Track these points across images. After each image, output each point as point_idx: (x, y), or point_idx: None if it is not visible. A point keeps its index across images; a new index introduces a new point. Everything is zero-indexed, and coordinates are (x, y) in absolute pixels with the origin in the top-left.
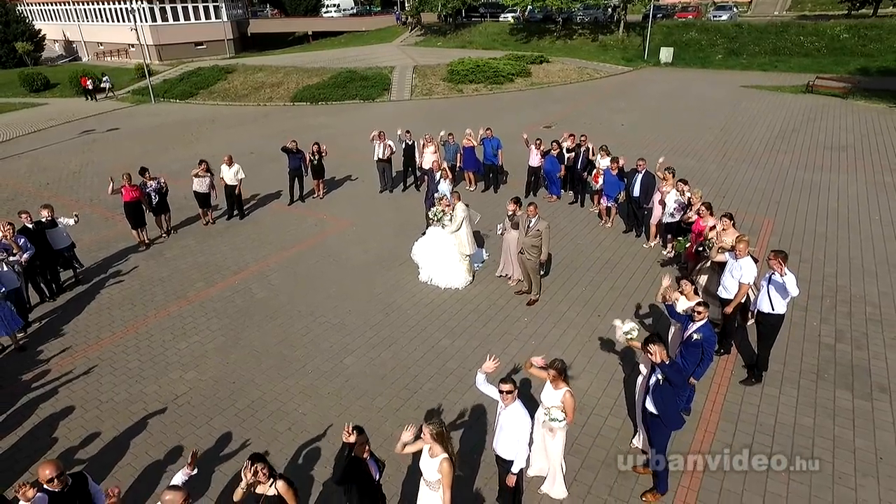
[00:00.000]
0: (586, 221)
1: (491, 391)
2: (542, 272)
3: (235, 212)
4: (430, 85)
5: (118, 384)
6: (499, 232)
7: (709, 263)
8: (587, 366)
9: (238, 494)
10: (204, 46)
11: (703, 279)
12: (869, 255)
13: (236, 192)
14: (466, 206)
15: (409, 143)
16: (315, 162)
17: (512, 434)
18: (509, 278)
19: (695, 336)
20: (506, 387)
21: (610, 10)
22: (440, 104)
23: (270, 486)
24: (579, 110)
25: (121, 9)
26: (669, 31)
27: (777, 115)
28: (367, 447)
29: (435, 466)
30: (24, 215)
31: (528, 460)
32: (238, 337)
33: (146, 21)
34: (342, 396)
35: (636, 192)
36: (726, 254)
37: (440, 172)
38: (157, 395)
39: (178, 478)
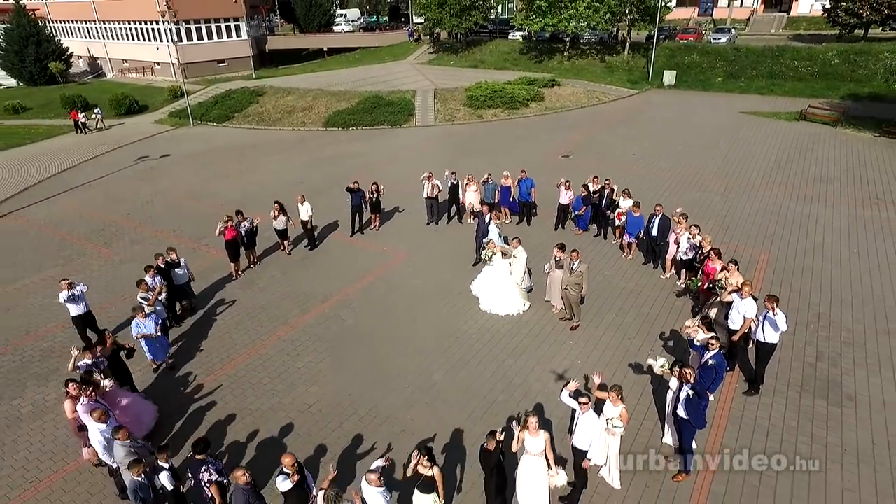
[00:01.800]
0: (610, 254)
1: (572, 403)
2: (582, 300)
3: (305, 243)
4: (452, 110)
5: (260, 397)
6: (546, 271)
7: (718, 299)
8: (623, 381)
9: (409, 471)
10: (226, 64)
11: (713, 312)
12: (847, 286)
13: (308, 226)
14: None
15: (454, 182)
16: (374, 199)
17: (587, 432)
18: (553, 306)
19: (710, 361)
20: (583, 399)
21: (615, 31)
22: (463, 130)
23: (430, 469)
24: (591, 137)
25: (148, 29)
26: (672, 54)
27: (773, 144)
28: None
29: (540, 441)
30: (159, 258)
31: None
32: (342, 358)
33: (172, 41)
34: (437, 406)
35: (654, 231)
36: (734, 294)
37: (489, 215)
38: (294, 405)
39: (377, 463)
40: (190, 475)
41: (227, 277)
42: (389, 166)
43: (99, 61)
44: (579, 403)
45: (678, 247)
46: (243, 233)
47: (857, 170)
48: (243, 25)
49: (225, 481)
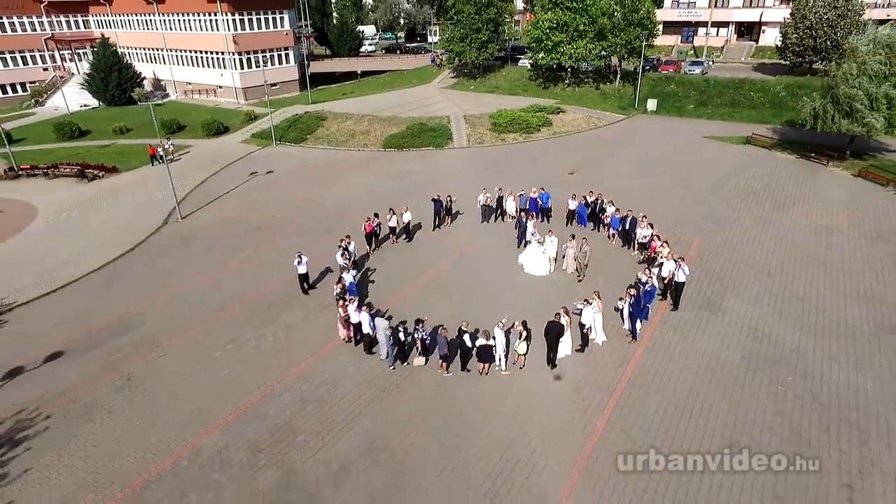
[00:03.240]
0: (602, 240)
1: (581, 304)
2: (587, 265)
3: (404, 236)
4: (480, 134)
5: (413, 308)
6: (564, 249)
7: (657, 262)
8: (606, 305)
9: (517, 329)
10: (277, 86)
11: (655, 269)
12: (738, 257)
13: (409, 225)
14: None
15: (500, 195)
16: (448, 206)
17: (588, 317)
18: (566, 271)
19: (647, 288)
20: (584, 303)
21: (609, 61)
22: (491, 151)
23: (524, 330)
24: (590, 157)
25: (212, 58)
26: (654, 84)
27: (721, 163)
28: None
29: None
30: (343, 240)
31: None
32: (454, 294)
33: (235, 68)
34: (510, 311)
35: (627, 226)
36: (669, 261)
37: (526, 217)
38: (436, 310)
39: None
40: (413, 335)
41: (365, 255)
42: (442, 181)
43: (163, 83)
44: (584, 302)
45: (636, 234)
46: (376, 228)
47: (775, 184)
48: (291, 54)
49: (427, 339)
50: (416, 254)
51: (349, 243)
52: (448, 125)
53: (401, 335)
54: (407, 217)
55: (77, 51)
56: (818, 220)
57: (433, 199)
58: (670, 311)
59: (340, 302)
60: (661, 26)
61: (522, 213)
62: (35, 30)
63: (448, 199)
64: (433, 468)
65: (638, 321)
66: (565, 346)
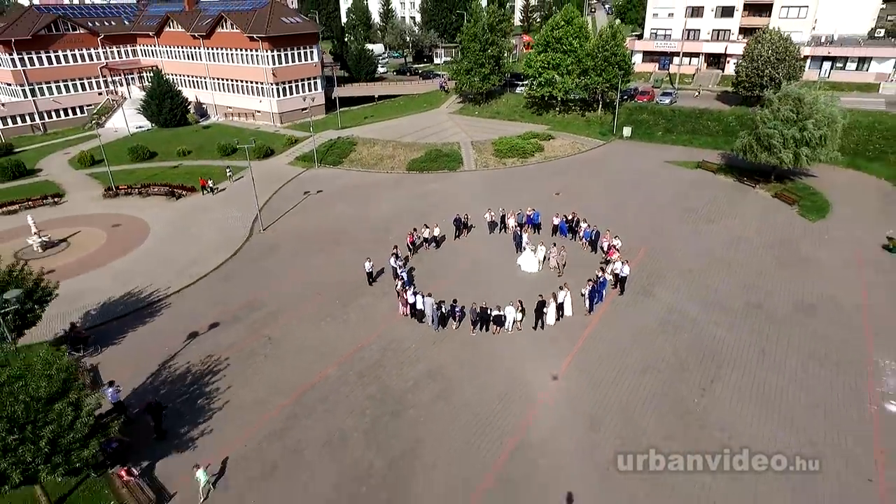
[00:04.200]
0: (578, 248)
1: (565, 289)
2: (564, 265)
3: (434, 244)
4: (486, 159)
5: (445, 293)
6: (550, 252)
7: (612, 263)
8: (573, 285)
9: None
10: (307, 110)
11: (609, 267)
12: (670, 259)
13: (438, 236)
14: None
15: (503, 213)
16: (465, 221)
17: (567, 297)
18: (551, 268)
19: (602, 281)
20: (563, 289)
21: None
22: (494, 174)
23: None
24: (573, 179)
25: (252, 86)
26: (630, 112)
27: (674, 185)
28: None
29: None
30: (394, 248)
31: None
32: (470, 284)
33: (273, 96)
34: (510, 292)
35: (593, 237)
36: (618, 263)
37: (521, 230)
38: (458, 291)
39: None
40: (450, 309)
41: (406, 259)
42: (457, 199)
43: (205, 106)
44: (560, 289)
45: (599, 242)
46: (416, 240)
47: (711, 203)
48: (319, 81)
49: (459, 312)
50: (444, 257)
51: (398, 251)
52: (459, 151)
53: (442, 309)
54: (437, 231)
55: (127, 76)
56: (735, 231)
57: (455, 219)
58: (618, 295)
59: (402, 289)
60: (640, 55)
61: (519, 227)
62: (92, 60)
63: (465, 216)
64: (469, 385)
65: (595, 302)
66: (549, 317)
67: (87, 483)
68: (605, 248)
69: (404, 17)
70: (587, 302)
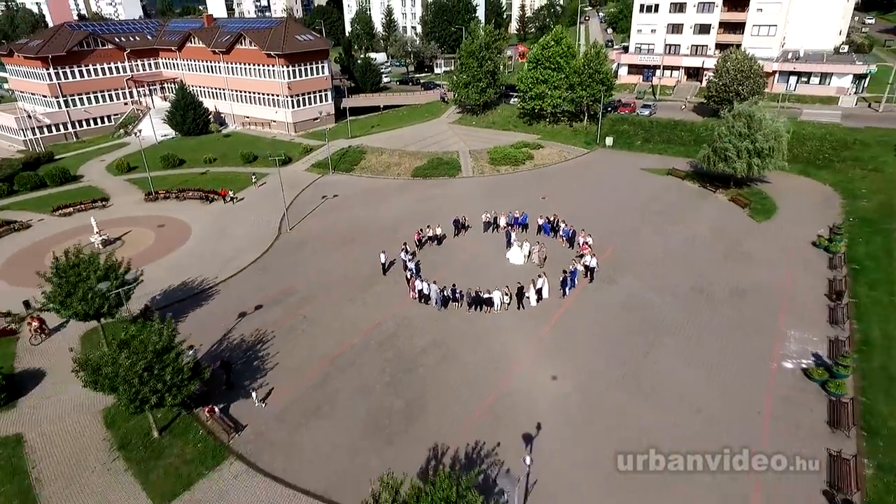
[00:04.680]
0: (557, 244)
1: (543, 277)
2: (545, 259)
3: (436, 241)
4: (482, 166)
5: (445, 280)
6: (534, 248)
7: (582, 257)
8: (552, 275)
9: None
10: (318, 119)
11: (581, 259)
12: (634, 254)
13: (440, 234)
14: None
15: (495, 216)
16: (463, 222)
17: (544, 283)
18: (534, 262)
19: (572, 270)
20: (541, 276)
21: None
22: (489, 180)
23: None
24: (558, 185)
25: (268, 98)
26: (613, 123)
27: (646, 190)
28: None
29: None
30: (405, 244)
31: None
32: (464, 271)
33: (288, 107)
34: (500, 279)
35: (570, 235)
36: (588, 256)
37: (510, 230)
38: (453, 279)
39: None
40: (451, 292)
41: (414, 253)
42: (456, 203)
43: (223, 115)
44: (540, 277)
45: (579, 241)
46: (424, 238)
47: (676, 206)
48: (329, 93)
49: (459, 295)
50: (446, 252)
51: (407, 246)
52: (458, 159)
53: (444, 293)
54: (439, 230)
55: (150, 88)
56: (692, 230)
57: (454, 220)
58: (588, 283)
59: (412, 277)
60: (626, 68)
61: (509, 227)
62: (119, 73)
63: (463, 218)
64: (466, 351)
65: (569, 288)
66: (532, 300)
67: (181, 418)
68: (580, 244)
69: (406, 27)
70: (562, 289)
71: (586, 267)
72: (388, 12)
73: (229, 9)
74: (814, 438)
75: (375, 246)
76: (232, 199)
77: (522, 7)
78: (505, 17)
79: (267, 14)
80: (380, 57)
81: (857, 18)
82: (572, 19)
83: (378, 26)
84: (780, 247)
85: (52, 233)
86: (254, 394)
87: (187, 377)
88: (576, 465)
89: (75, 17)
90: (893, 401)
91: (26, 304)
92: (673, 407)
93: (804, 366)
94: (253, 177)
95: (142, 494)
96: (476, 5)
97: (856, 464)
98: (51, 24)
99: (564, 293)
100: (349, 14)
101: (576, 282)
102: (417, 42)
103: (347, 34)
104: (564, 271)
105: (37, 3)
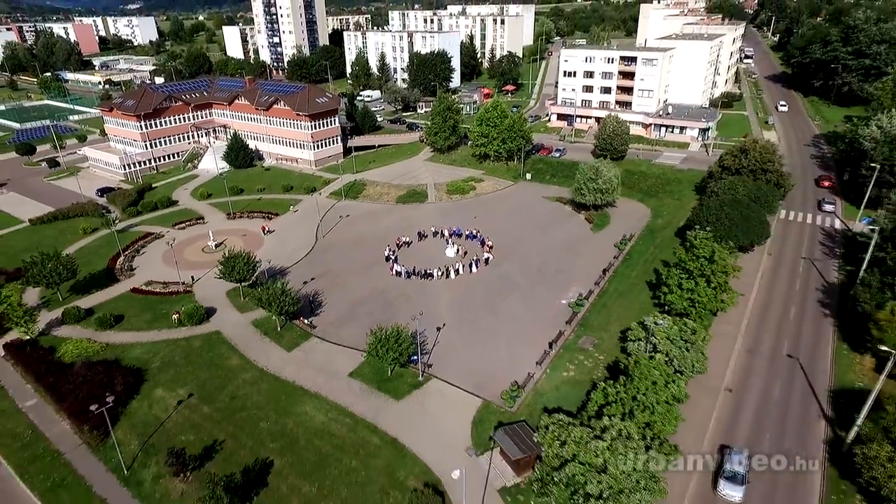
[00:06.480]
0: (475, 246)
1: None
2: (465, 253)
3: (408, 245)
4: (442, 195)
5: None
6: (461, 248)
7: (485, 252)
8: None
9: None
10: (331, 157)
11: (483, 254)
12: (515, 251)
13: (409, 241)
14: (458, 248)
15: (441, 229)
16: (423, 233)
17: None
18: (459, 255)
19: (476, 259)
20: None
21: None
22: (447, 205)
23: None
24: (489, 208)
25: (296, 142)
26: (534, 163)
27: (539, 211)
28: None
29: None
30: (390, 246)
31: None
32: (430, 260)
33: (311, 149)
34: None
35: (481, 240)
36: (486, 252)
37: (450, 236)
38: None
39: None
40: (414, 271)
41: (394, 250)
42: (422, 220)
43: (261, 152)
44: (460, 262)
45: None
46: (399, 241)
47: (552, 221)
48: (339, 137)
49: (420, 271)
50: (412, 250)
51: (391, 247)
52: (426, 190)
53: (409, 271)
54: (408, 238)
55: (206, 131)
56: (553, 237)
57: (418, 232)
58: (485, 266)
59: (392, 263)
60: (555, 115)
61: (449, 236)
62: (184, 121)
63: (423, 230)
64: (418, 296)
65: (473, 269)
66: (453, 275)
67: (288, 324)
68: (485, 244)
69: (396, 69)
70: (469, 269)
71: (486, 258)
72: (382, 57)
73: (243, 40)
74: (563, 328)
75: (375, 247)
76: (269, 231)
77: (493, 51)
78: (479, 59)
79: (279, 49)
80: (374, 94)
81: (748, 66)
82: (539, 54)
83: (374, 68)
84: (598, 246)
85: (180, 239)
86: (318, 315)
87: (294, 305)
88: (459, 342)
89: (96, 39)
90: (597, 314)
91: (192, 278)
92: (510, 321)
93: (568, 301)
94: (291, 207)
95: (277, 347)
96: (451, 57)
97: (566, 336)
98: (80, 49)
99: (471, 271)
100: (350, 55)
101: (478, 266)
102: (405, 88)
103: (348, 75)
104: (472, 260)
105: (64, 29)
